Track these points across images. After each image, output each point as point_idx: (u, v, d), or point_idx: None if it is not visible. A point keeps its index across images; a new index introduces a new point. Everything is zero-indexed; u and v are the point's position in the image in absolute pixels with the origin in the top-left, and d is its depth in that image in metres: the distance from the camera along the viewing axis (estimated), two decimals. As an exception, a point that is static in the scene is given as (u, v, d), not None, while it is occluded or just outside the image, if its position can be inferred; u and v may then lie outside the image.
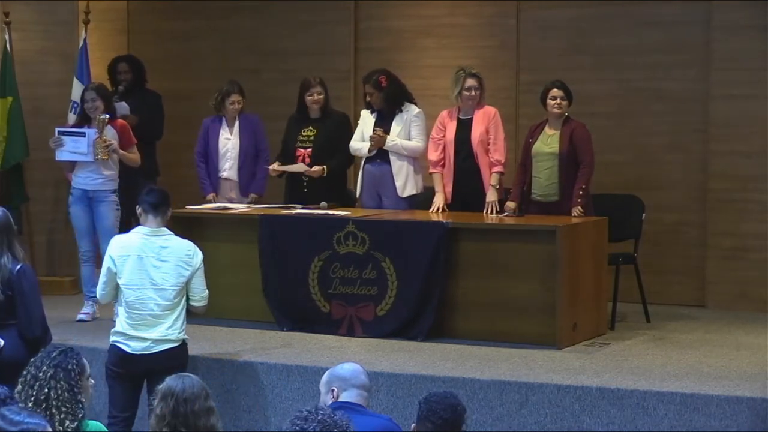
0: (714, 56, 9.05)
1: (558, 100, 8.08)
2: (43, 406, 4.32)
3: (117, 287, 6.58)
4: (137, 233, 6.62)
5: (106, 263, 6.63)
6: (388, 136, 8.42)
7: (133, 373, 6.50)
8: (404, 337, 7.71)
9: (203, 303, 6.70)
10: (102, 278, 6.66)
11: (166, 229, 6.65)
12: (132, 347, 6.49)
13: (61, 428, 4.27)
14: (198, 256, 6.64)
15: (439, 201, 8.30)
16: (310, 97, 8.64)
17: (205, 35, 10.65)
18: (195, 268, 6.60)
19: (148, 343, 6.49)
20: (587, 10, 9.45)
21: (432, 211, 8.27)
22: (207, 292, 6.69)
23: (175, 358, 6.49)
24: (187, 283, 6.61)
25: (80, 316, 8.44)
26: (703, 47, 9.12)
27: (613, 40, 9.36)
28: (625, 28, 9.33)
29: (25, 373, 4.43)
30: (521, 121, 9.43)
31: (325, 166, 8.54)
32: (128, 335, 6.50)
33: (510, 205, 8.13)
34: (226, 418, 6.98)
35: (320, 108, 8.65)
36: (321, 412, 3.85)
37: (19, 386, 4.40)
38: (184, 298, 6.62)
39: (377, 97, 8.49)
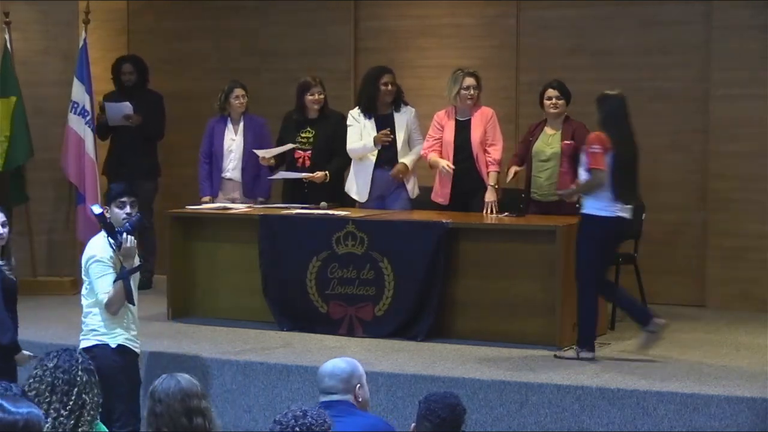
0: (714, 56, 9.04)
1: (553, 100, 8.10)
2: (77, 413, 4.14)
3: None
4: None
5: None
6: (407, 161, 8.44)
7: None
8: (404, 337, 7.71)
9: (104, 305, 6.28)
10: None
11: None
12: None
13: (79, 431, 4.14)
14: (84, 257, 6.37)
15: (443, 162, 8.26)
16: (311, 97, 8.62)
17: (205, 35, 10.65)
18: (82, 268, 6.37)
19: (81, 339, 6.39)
20: (587, 10, 9.45)
21: (444, 166, 8.20)
22: (104, 295, 6.24)
23: (93, 359, 6.28)
24: None
25: None
26: (703, 47, 9.11)
27: (613, 40, 9.36)
28: (625, 28, 9.33)
29: (50, 380, 4.16)
30: (521, 121, 9.42)
31: (327, 172, 8.55)
32: None
33: (514, 168, 8.14)
34: (226, 418, 6.99)
35: (319, 108, 8.65)
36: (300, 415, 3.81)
37: (47, 396, 4.13)
38: (95, 298, 6.35)
39: (395, 89, 8.50)
